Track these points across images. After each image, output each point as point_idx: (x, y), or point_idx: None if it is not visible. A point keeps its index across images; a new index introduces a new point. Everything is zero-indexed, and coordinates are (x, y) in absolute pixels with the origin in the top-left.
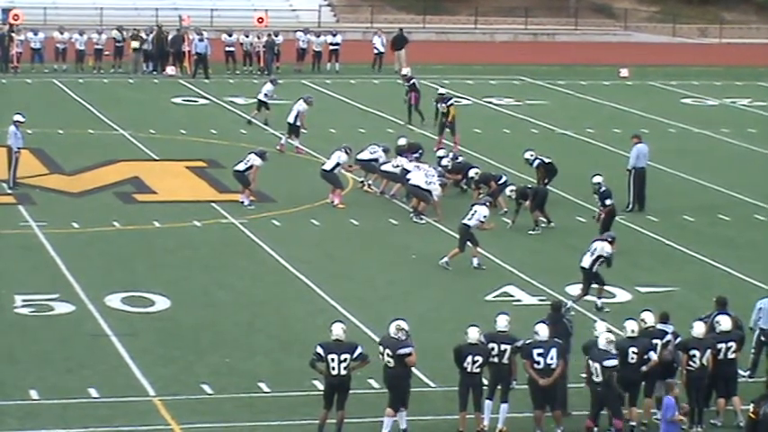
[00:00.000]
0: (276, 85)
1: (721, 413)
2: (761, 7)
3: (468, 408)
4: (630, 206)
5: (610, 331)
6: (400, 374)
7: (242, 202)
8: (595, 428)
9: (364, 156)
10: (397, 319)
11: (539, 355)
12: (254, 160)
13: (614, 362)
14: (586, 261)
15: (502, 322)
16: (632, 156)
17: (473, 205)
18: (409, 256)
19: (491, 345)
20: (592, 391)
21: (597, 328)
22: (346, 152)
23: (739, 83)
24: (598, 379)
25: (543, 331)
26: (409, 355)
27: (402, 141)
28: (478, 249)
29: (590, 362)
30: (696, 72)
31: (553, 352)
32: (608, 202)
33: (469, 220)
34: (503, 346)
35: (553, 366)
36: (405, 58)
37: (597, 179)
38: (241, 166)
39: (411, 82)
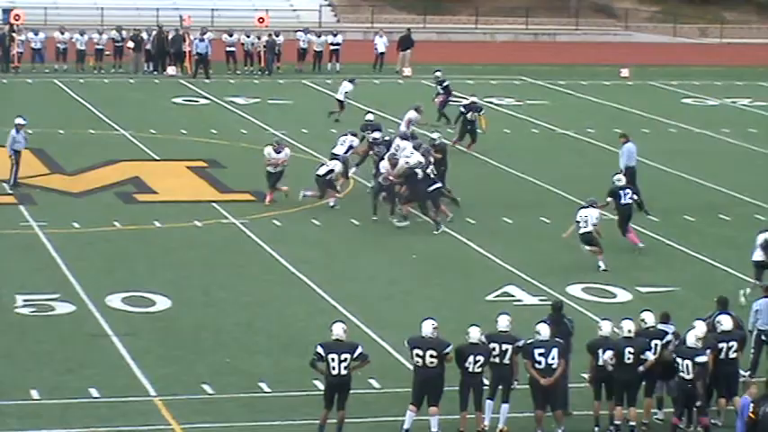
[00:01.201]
0: (355, 85)
1: (722, 413)
2: (761, 7)
3: (469, 408)
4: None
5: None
6: (440, 373)
7: (331, 205)
8: (680, 425)
9: (339, 150)
10: (428, 319)
11: (540, 354)
12: (335, 166)
13: (705, 358)
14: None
15: (503, 322)
16: (624, 155)
17: (580, 209)
18: (410, 255)
19: (492, 345)
20: (679, 388)
21: (603, 326)
22: (343, 163)
23: (740, 83)
24: (689, 376)
25: (545, 331)
26: (449, 352)
27: (370, 117)
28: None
29: (678, 359)
30: (697, 72)
31: (554, 352)
32: (623, 201)
33: (586, 226)
34: (504, 346)
35: (554, 366)
36: (408, 59)
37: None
38: (322, 170)
39: (445, 84)
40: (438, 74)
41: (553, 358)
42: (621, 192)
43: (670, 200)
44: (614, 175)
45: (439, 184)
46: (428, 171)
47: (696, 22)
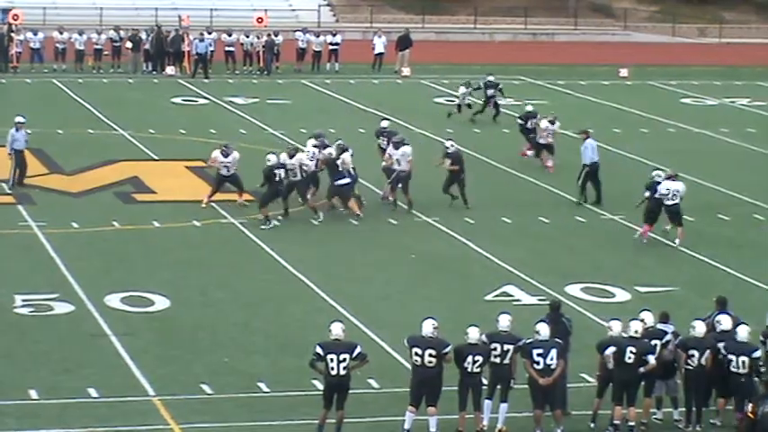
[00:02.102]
0: (470, 88)
1: (721, 413)
2: (760, 7)
3: (468, 408)
4: (597, 199)
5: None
6: (438, 373)
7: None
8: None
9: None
10: (428, 318)
11: (538, 355)
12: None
13: (759, 352)
14: None
15: (504, 322)
16: (587, 151)
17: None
18: (408, 255)
19: (494, 344)
20: (733, 383)
21: (612, 326)
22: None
23: (739, 82)
24: (744, 371)
25: (544, 330)
26: (449, 352)
27: (385, 124)
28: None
29: (731, 356)
30: (695, 72)
31: (553, 352)
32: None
33: (675, 199)
34: (506, 346)
35: (553, 366)
36: (407, 59)
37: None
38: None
39: (498, 87)
40: (406, 71)
41: (552, 359)
42: (658, 186)
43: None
44: (653, 171)
45: (348, 180)
46: (338, 164)
47: (695, 22)
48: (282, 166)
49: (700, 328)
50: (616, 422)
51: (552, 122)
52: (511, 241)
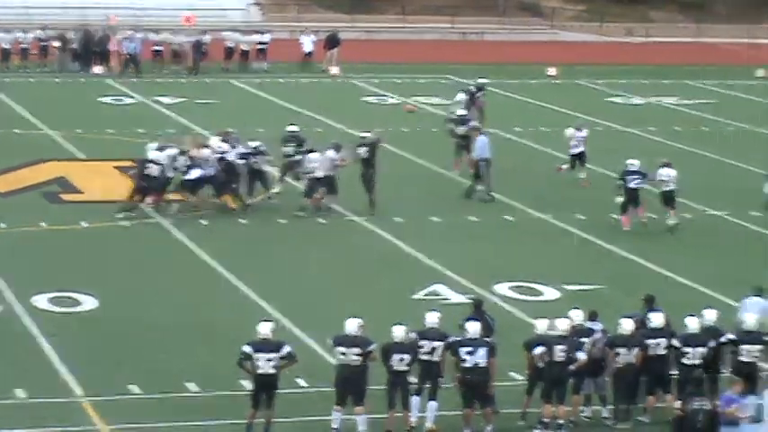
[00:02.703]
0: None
1: (649, 410)
2: (687, 6)
3: (397, 406)
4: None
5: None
6: (363, 372)
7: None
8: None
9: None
10: (353, 317)
11: (467, 353)
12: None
13: (714, 343)
14: None
15: (432, 319)
16: (477, 147)
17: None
18: (337, 254)
19: (422, 342)
20: (684, 376)
21: (538, 325)
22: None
23: (666, 81)
24: (698, 362)
25: (472, 328)
26: (374, 351)
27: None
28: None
29: (687, 349)
30: (623, 71)
31: (481, 351)
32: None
33: (670, 186)
34: (434, 343)
35: (482, 365)
36: (336, 58)
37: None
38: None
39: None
40: (334, 71)
41: (481, 357)
42: (630, 177)
43: (596, 198)
44: (627, 160)
45: (193, 176)
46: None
47: (622, 21)
48: (153, 161)
49: (626, 326)
50: (545, 420)
51: (579, 129)
52: (440, 240)
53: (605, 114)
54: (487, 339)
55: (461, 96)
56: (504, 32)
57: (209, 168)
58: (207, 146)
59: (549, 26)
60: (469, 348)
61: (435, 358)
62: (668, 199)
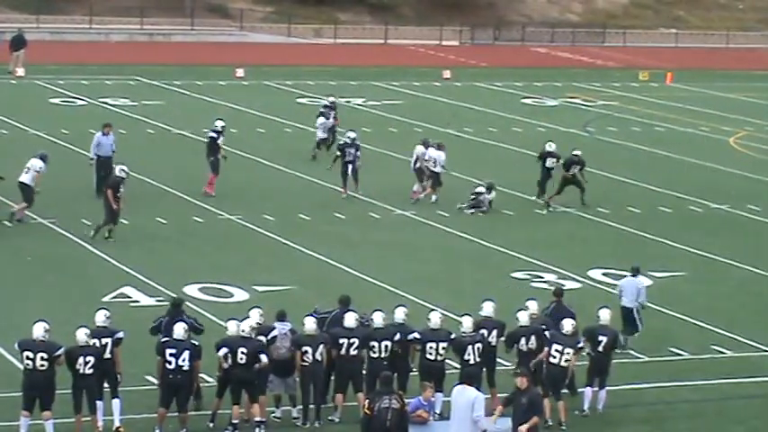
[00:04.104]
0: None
1: (339, 409)
2: (374, 8)
3: (84, 410)
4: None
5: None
6: (51, 377)
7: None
8: None
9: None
10: (39, 321)
11: (171, 355)
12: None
13: (454, 335)
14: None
15: (100, 318)
16: (93, 145)
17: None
18: (24, 257)
19: (93, 340)
20: (425, 370)
21: (229, 326)
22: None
23: (354, 82)
24: (439, 357)
25: (178, 330)
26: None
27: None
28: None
29: (430, 344)
30: (310, 72)
31: (186, 354)
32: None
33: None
34: (104, 340)
35: (185, 368)
36: (21, 60)
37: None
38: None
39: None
40: (20, 72)
41: (184, 360)
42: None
43: (285, 199)
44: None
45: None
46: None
47: (311, 23)
48: None
49: (309, 325)
50: (235, 421)
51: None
52: (127, 242)
53: (294, 116)
54: (193, 342)
55: (322, 120)
56: (193, 34)
57: None
58: None
59: (239, 28)
60: (174, 350)
61: (107, 355)
62: (436, 178)
